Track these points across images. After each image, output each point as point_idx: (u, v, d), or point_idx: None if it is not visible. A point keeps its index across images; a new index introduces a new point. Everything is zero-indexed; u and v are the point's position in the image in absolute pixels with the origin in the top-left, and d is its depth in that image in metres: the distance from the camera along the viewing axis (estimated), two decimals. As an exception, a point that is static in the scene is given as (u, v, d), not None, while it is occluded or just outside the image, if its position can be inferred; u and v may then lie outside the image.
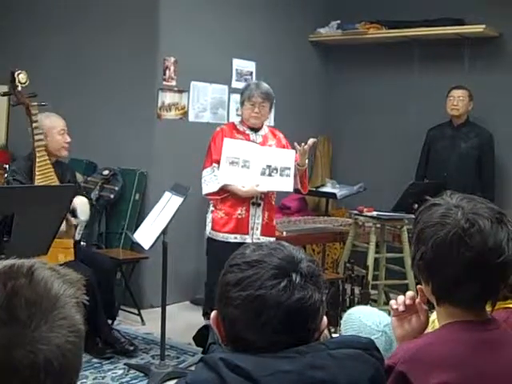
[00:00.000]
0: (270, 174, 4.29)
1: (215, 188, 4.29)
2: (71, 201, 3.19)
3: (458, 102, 5.45)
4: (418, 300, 1.66)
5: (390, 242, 5.29)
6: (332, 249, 5.99)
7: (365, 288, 4.77)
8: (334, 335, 4.59)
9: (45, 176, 3.90)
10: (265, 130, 4.47)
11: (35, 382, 0.87)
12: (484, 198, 1.58)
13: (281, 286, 1.22)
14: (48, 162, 3.99)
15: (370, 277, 4.83)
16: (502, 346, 1.53)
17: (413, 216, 4.85)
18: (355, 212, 5.18)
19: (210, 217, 4.40)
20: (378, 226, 5.06)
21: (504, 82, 5.68)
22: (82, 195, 4.26)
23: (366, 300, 4.71)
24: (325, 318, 1.29)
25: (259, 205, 4.34)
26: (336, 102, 6.61)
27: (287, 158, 4.35)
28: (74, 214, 4.03)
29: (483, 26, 5.55)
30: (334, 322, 4.77)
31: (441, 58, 5.97)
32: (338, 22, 6.36)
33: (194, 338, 1.32)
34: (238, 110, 5.62)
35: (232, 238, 4.29)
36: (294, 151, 4.37)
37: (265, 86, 4.39)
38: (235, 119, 5.31)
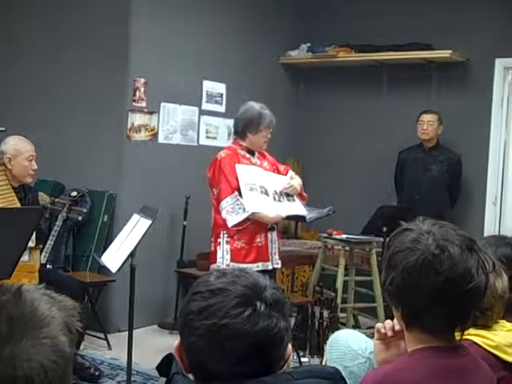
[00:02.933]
0: (279, 200, 4.16)
1: (242, 217, 3.96)
2: (36, 224, 3.13)
3: (427, 126, 5.55)
4: None
5: (358, 265, 5.29)
6: (301, 271, 5.98)
7: (334, 311, 4.76)
8: (302, 359, 4.57)
9: (5, 199, 3.82)
10: (256, 152, 4.27)
11: None
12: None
13: (245, 315, 1.19)
14: (8, 185, 3.91)
15: (338, 300, 4.82)
16: (471, 373, 1.53)
17: (382, 239, 4.89)
18: (324, 235, 5.18)
19: (225, 248, 4.05)
20: (347, 248, 5.07)
21: (470, 106, 5.77)
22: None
23: (334, 323, 4.70)
24: (289, 346, 1.27)
25: (273, 229, 4.17)
26: (306, 124, 6.64)
27: (284, 183, 4.26)
28: None
29: (450, 51, 5.64)
30: (303, 346, 4.75)
31: (409, 82, 6.05)
32: (309, 44, 6.43)
33: (158, 368, 1.29)
34: (230, 135, 5.59)
35: (255, 268, 3.92)
36: (287, 177, 4.30)
37: None
38: (204, 142, 5.31)
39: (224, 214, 4.00)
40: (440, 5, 5.91)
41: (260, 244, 4.09)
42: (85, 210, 5.16)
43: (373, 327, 4.45)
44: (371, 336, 2.10)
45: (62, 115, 5.52)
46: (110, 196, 5.24)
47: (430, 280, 1.46)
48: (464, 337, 1.70)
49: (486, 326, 1.87)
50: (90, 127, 5.37)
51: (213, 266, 4.08)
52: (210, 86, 5.86)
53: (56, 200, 5.13)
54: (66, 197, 5.21)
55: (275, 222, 4.17)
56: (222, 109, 5.95)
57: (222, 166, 4.06)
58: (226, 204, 4.00)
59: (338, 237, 5.06)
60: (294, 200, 4.24)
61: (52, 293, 1.00)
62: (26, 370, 0.88)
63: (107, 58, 5.28)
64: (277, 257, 4.20)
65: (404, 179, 5.76)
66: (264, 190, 4.10)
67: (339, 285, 4.89)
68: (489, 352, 1.81)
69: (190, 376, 1.25)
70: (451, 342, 1.54)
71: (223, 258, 4.05)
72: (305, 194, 4.41)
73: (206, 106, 5.78)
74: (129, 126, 5.23)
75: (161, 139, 5.47)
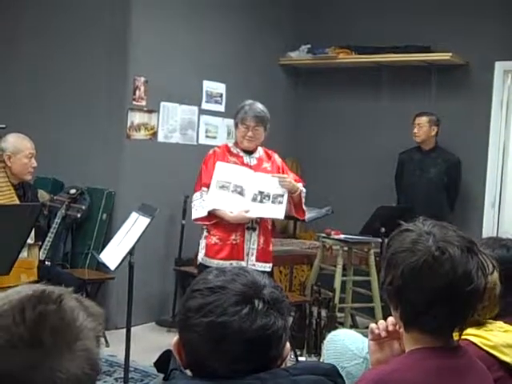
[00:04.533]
0: (261, 201, 4.11)
1: (203, 213, 4.03)
2: (35, 220, 3.14)
3: (418, 129, 5.57)
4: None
5: (356, 265, 5.30)
6: (299, 271, 5.99)
7: (331, 311, 4.78)
8: (300, 358, 4.58)
9: (4, 196, 3.82)
10: (259, 152, 4.24)
11: None
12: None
13: (243, 313, 1.20)
14: (8, 182, 3.91)
15: (336, 299, 4.83)
16: (468, 373, 1.54)
17: (380, 240, 4.90)
18: (323, 235, 5.19)
19: (203, 242, 4.13)
20: (346, 249, 5.08)
21: (470, 108, 5.78)
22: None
23: (332, 323, 4.71)
24: (288, 345, 1.28)
25: (255, 229, 4.11)
26: (305, 125, 6.65)
27: (280, 185, 4.19)
28: None
29: (450, 53, 5.65)
30: (301, 345, 4.76)
31: (409, 84, 6.06)
32: (309, 46, 6.43)
33: (156, 364, 1.30)
34: (230, 135, 5.66)
35: (227, 265, 3.97)
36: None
37: (259, 107, 4.18)
38: (203, 141, 5.30)
39: (192, 208, 4.15)
40: (440, 7, 5.92)
41: (234, 242, 4.06)
42: (84, 208, 5.17)
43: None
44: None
45: (62, 113, 5.52)
46: (108, 194, 5.25)
47: (430, 281, 1.46)
48: (462, 337, 1.71)
49: (478, 322, 1.88)
50: (90, 125, 5.38)
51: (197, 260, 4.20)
52: (210, 86, 5.87)
53: (55, 197, 5.14)
54: (65, 194, 5.21)
55: (249, 222, 4.08)
56: (221, 108, 5.96)
57: (205, 161, 4.19)
58: (195, 198, 4.14)
59: (336, 237, 5.07)
60: (280, 203, 4.14)
61: (81, 298, 1.01)
62: (62, 382, 0.88)
63: (107, 56, 5.29)
64: (254, 258, 4.11)
65: (402, 181, 5.77)
66: (239, 190, 4.08)
67: (337, 285, 4.90)
68: (486, 352, 1.81)
69: (188, 372, 1.26)
70: (449, 343, 1.55)
71: (199, 252, 4.16)
72: (302, 209, 4.30)
73: (205, 106, 5.79)
74: (128, 124, 5.23)
75: (160, 138, 5.48)
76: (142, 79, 5.28)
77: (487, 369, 1.63)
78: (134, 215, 3.95)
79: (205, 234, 4.14)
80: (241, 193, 4.11)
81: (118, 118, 5.22)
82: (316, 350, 4.71)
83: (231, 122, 6.28)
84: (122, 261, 3.74)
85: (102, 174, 5.29)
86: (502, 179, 5.81)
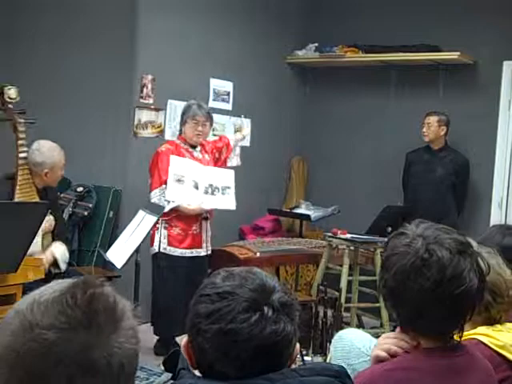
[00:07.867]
0: (212, 193, 4.48)
1: (166, 209, 4.31)
2: (43, 218, 3.14)
3: (427, 128, 5.56)
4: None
5: (363, 265, 5.29)
6: (305, 270, 5.98)
7: (337, 310, 4.76)
8: (305, 358, 4.57)
9: (25, 194, 3.81)
10: (199, 146, 4.63)
11: (111, 382, 0.94)
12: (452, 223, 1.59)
13: (252, 320, 1.19)
14: (30, 180, 3.87)
15: (342, 299, 4.82)
16: (468, 372, 1.53)
17: (386, 239, 4.88)
18: (329, 234, 5.18)
19: (163, 233, 4.41)
20: (352, 248, 5.06)
21: (478, 108, 5.76)
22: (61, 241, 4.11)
23: (338, 323, 4.70)
24: (297, 345, 1.27)
25: (207, 219, 4.54)
26: (312, 124, 6.65)
27: (227, 177, 4.58)
28: (56, 265, 3.93)
29: (458, 53, 5.64)
30: (306, 345, 4.75)
31: (417, 83, 6.05)
32: (316, 44, 6.42)
33: (164, 363, 1.30)
34: (236, 133, 5.86)
35: (189, 253, 4.46)
36: (232, 171, 4.63)
37: (206, 106, 4.65)
38: (210, 139, 5.29)
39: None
40: (448, 6, 5.90)
41: (195, 232, 4.47)
42: (90, 206, 5.18)
43: (376, 327, 4.41)
44: (375, 336, 2.11)
45: (69, 111, 5.53)
46: (115, 192, 5.25)
47: (419, 284, 1.46)
48: (471, 336, 1.70)
49: (496, 320, 1.87)
50: (97, 123, 5.38)
51: (151, 249, 4.43)
52: (217, 84, 5.87)
53: (62, 195, 5.15)
54: (72, 192, 5.22)
55: (207, 213, 4.50)
56: (228, 107, 5.97)
57: (158, 159, 4.41)
58: (154, 195, 4.39)
59: (342, 236, 5.06)
60: (228, 194, 4.55)
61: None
62: (119, 358, 0.95)
63: (115, 54, 5.29)
64: (209, 244, 4.58)
65: (410, 180, 5.76)
66: (194, 184, 4.40)
67: (343, 284, 4.89)
68: (495, 351, 1.81)
69: (197, 372, 1.26)
70: (447, 343, 1.54)
71: (160, 242, 4.39)
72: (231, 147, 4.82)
73: (212, 104, 5.78)
74: (135, 122, 5.24)
75: (167, 136, 5.48)
76: (150, 77, 5.28)
77: (495, 368, 1.62)
78: (140, 213, 3.96)
79: (164, 225, 4.39)
80: (196, 186, 4.41)
81: (125, 115, 5.23)
82: (322, 349, 4.70)
83: (238, 120, 6.27)
84: (129, 259, 3.75)
85: (108, 172, 5.30)
86: (509, 179, 5.79)
